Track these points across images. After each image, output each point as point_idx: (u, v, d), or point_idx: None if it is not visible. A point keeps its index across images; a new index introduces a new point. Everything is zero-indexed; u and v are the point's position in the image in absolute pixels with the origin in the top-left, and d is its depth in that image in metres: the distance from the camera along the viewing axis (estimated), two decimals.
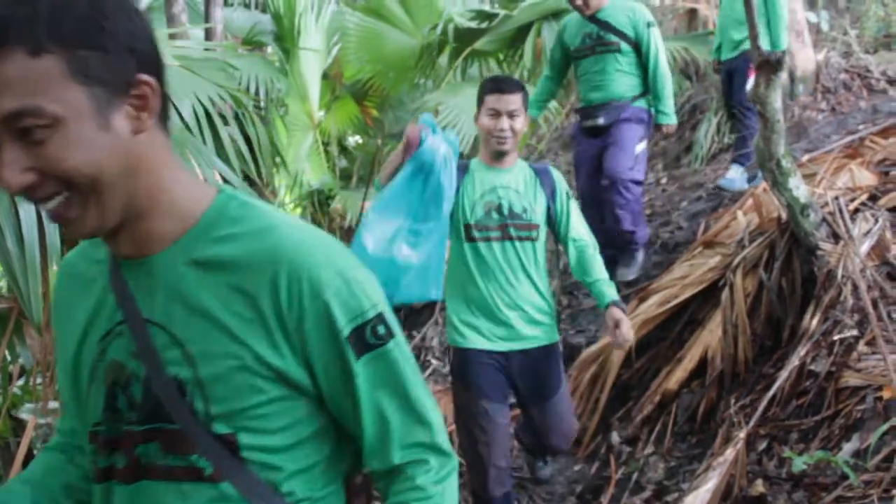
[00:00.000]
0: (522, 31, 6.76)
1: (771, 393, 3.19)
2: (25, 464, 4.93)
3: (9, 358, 3.69)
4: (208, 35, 4.62)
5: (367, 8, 6.93)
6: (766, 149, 3.51)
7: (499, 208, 2.92)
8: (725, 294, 3.68)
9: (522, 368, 2.98)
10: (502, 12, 6.61)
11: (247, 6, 6.25)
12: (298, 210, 6.68)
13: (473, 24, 6.58)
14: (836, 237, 3.49)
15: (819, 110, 6.54)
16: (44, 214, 2.16)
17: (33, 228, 2.26)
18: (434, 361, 4.91)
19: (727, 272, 3.77)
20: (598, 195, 4.62)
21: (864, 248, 3.42)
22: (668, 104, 4.55)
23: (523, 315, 2.95)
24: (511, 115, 2.88)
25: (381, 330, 1.09)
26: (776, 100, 3.48)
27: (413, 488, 1.12)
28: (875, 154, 4.61)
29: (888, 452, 2.60)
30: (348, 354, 1.07)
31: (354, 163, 8.10)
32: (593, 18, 4.51)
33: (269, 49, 6.05)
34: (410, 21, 6.94)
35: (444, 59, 6.82)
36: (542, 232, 3.00)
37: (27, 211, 2.25)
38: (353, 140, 8.56)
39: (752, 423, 3.10)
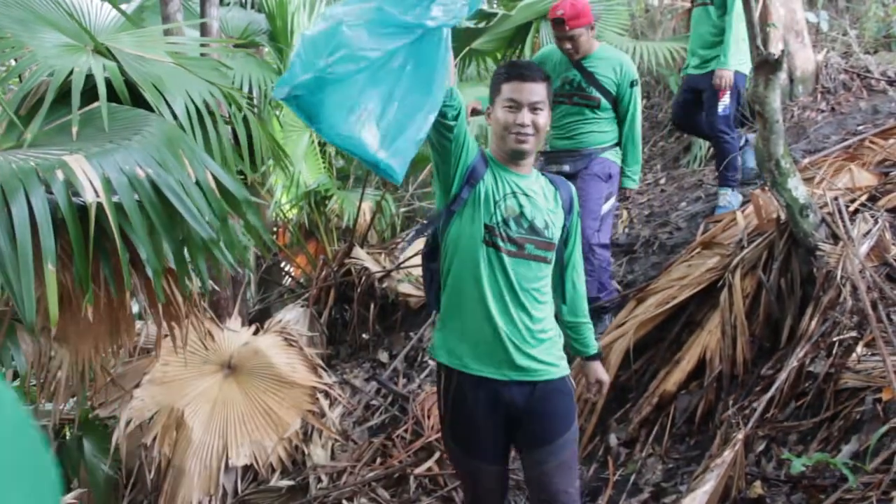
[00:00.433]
0: (521, 31, 6.75)
1: (769, 394, 3.17)
2: None
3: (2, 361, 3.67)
4: (203, 33, 4.60)
5: None
6: (765, 149, 3.50)
7: (519, 218, 2.42)
8: (724, 295, 3.67)
9: (525, 404, 2.45)
10: (501, 11, 6.60)
11: (242, 6, 6.23)
12: (295, 210, 6.66)
13: (471, 24, 6.56)
14: (835, 238, 3.47)
15: (818, 111, 6.53)
16: (41, 211, 2.15)
17: (26, 228, 2.22)
18: (432, 362, 4.89)
19: (726, 273, 3.75)
20: None
21: (864, 249, 3.40)
22: (637, 168, 4.42)
23: (531, 343, 2.43)
24: (533, 108, 2.41)
25: None
26: (775, 100, 3.47)
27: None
28: (875, 155, 4.60)
29: (887, 454, 2.59)
30: None
31: (351, 163, 8.08)
32: (578, 65, 4.26)
33: (266, 50, 6.03)
34: None
35: None
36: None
37: (20, 209, 2.22)
38: None
39: (750, 425, 3.08)
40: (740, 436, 2.98)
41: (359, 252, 5.72)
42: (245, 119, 3.33)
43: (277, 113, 5.90)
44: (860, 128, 5.72)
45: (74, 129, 2.63)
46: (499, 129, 2.45)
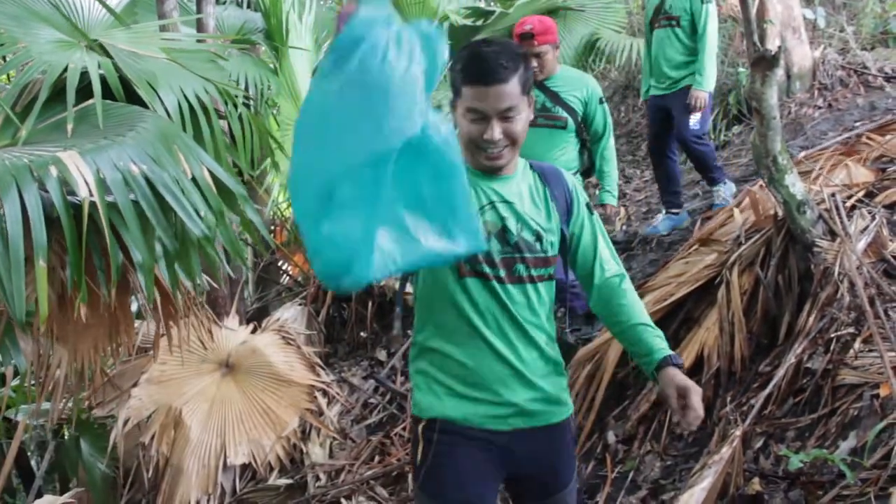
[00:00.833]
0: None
1: (767, 391, 3.17)
2: (17, 465, 4.92)
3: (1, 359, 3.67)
4: (199, 31, 4.59)
5: None
6: (762, 146, 3.49)
7: (503, 234, 1.99)
8: (722, 292, 3.66)
9: (524, 453, 2.05)
10: (498, 9, 6.60)
11: (239, 4, 6.23)
12: (291, 209, 6.64)
13: (469, 22, 6.56)
14: (832, 234, 3.47)
15: (816, 107, 6.53)
16: (33, 208, 2.14)
17: (18, 224, 2.21)
18: None
19: (723, 270, 3.75)
20: None
21: (861, 245, 3.40)
22: (615, 185, 4.30)
23: (528, 384, 2.03)
24: (504, 117, 1.90)
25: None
26: (772, 96, 3.46)
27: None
28: (872, 151, 4.60)
29: (885, 450, 2.58)
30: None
31: None
32: (541, 85, 4.07)
33: (263, 49, 6.02)
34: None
35: None
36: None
37: (12, 206, 2.21)
38: None
39: (748, 422, 3.08)
40: (738, 432, 2.97)
41: None
42: (240, 115, 3.32)
43: (274, 111, 5.89)
44: (857, 124, 5.72)
45: (70, 127, 2.62)
46: (465, 141, 1.94)
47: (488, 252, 1.95)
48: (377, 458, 4.20)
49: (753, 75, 3.46)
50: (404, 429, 4.30)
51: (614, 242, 5.72)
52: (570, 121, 4.05)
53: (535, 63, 3.90)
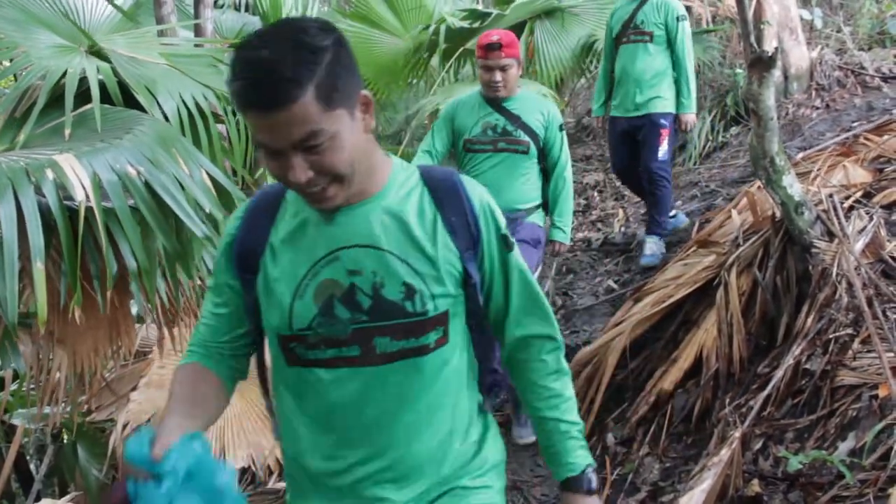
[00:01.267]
0: (515, 31, 6.73)
1: (766, 392, 3.17)
2: (17, 469, 4.92)
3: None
4: (197, 34, 4.59)
5: (355, 14, 6.92)
6: (759, 147, 3.50)
7: (351, 295, 1.44)
8: (720, 293, 3.67)
9: None
10: (495, 11, 6.59)
11: (236, 8, 6.23)
12: None
13: (466, 24, 6.56)
14: (830, 235, 3.48)
15: (813, 108, 6.53)
16: (30, 211, 2.12)
17: (13, 226, 2.21)
18: None
19: (722, 271, 3.75)
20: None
21: (859, 245, 3.40)
22: (569, 219, 3.93)
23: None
24: (308, 147, 1.29)
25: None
26: (769, 97, 3.47)
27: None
28: (869, 151, 4.60)
29: (884, 451, 2.58)
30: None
31: None
32: (501, 107, 3.76)
33: None
34: (400, 24, 6.93)
35: (436, 60, 6.80)
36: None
37: (7, 207, 2.20)
38: None
39: (747, 423, 3.08)
40: (737, 434, 2.98)
41: None
42: (238, 119, 3.32)
43: None
44: (855, 124, 5.73)
45: (67, 131, 2.62)
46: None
47: (331, 327, 1.43)
48: None
49: (750, 76, 3.46)
50: None
51: (613, 244, 5.67)
52: (533, 145, 3.75)
53: (499, 77, 3.65)
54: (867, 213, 3.66)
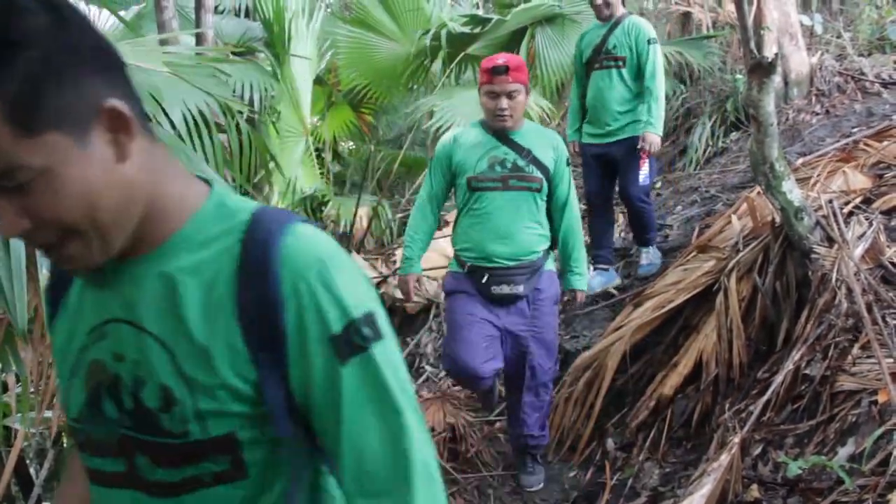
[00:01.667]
0: (516, 36, 6.77)
1: (766, 397, 3.18)
2: (17, 473, 4.92)
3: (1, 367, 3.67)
4: (199, 41, 4.61)
5: (355, 20, 6.94)
6: (759, 152, 3.50)
7: (115, 391, 1.02)
8: (720, 298, 3.67)
9: None
10: (496, 17, 6.61)
11: (236, 13, 6.26)
12: None
13: (467, 30, 6.57)
14: (830, 241, 3.48)
15: (813, 113, 6.54)
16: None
17: None
18: (428, 368, 4.89)
19: (721, 276, 3.76)
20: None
21: (859, 251, 3.41)
22: (585, 264, 3.54)
23: None
24: (3, 190, 0.86)
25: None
26: (769, 103, 3.48)
27: None
28: (869, 157, 4.61)
29: (883, 456, 2.59)
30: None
31: (348, 168, 8.10)
32: (507, 138, 3.34)
33: (262, 56, 6.05)
34: (399, 29, 6.96)
35: (437, 65, 6.83)
36: None
37: None
38: (347, 146, 8.57)
39: (746, 428, 3.09)
40: (737, 439, 2.98)
41: (356, 258, 5.71)
42: (239, 129, 3.33)
43: (274, 119, 5.91)
44: (854, 130, 5.74)
45: None
46: None
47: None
48: None
49: (750, 82, 3.48)
50: None
51: (613, 249, 5.67)
52: (544, 182, 3.34)
53: (505, 104, 3.23)
54: (867, 219, 3.67)
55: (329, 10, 8.03)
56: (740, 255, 3.77)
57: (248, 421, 0.97)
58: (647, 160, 4.60)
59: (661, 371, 3.81)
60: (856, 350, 3.07)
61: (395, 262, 5.77)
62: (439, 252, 4.89)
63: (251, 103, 5.08)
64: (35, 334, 2.78)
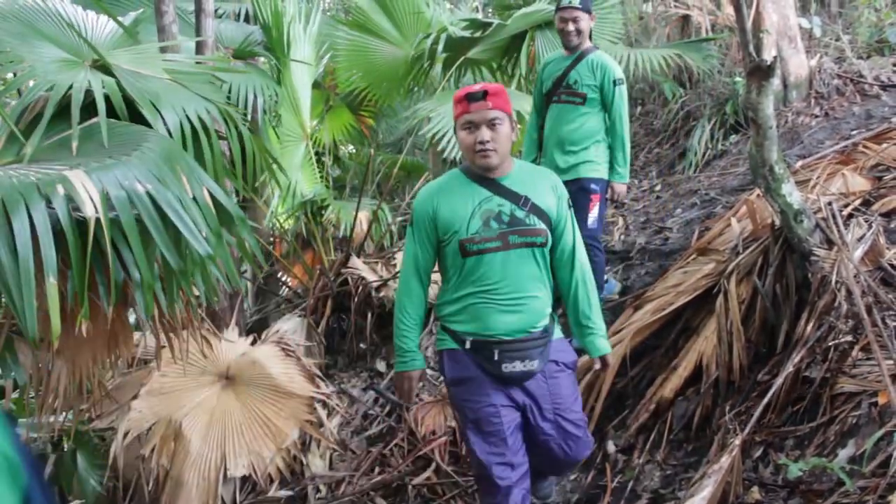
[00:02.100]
0: (516, 40, 6.78)
1: (766, 400, 3.18)
2: None
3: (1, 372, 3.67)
4: (199, 47, 4.61)
5: (354, 23, 6.95)
6: (759, 155, 3.52)
7: None
8: (720, 301, 3.68)
9: None
10: (496, 21, 6.62)
11: (236, 17, 6.26)
12: (292, 220, 6.67)
13: (467, 34, 6.58)
14: (829, 243, 3.49)
15: (812, 116, 6.56)
16: (42, 225, 2.14)
17: (27, 240, 2.23)
18: (429, 371, 4.89)
19: (721, 279, 3.77)
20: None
21: (858, 253, 3.42)
22: (603, 322, 3.10)
23: None
24: None
25: None
26: (768, 106, 3.49)
27: None
28: (868, 159, 4.63)
29: (883, 458, 2.60)
30: None
31: (348, 172, 8.10)
32: (498, 186, 2.75)
33: (262, 60, 6.06)
34: (398, 33, 6.97)
35: (437, 69, 6.84)
36: None
37: (21, 222, 2.22)
38: (347, 150, 8.58)
39: (747, 430, 3.09)
40: (737, 441, 2.99)
41: (356, 262, 5.72)
42: (240, 136, 3.34)
43: (274, 124, 5.92)
44: (854, 132, 5.75)
45: (74, 145, 2.64)
46: None
47: None
48: (377, 470, 4.20)
49: (749, 85, 3.49)
50: (403, 440, 4.30)
51: (612, 253, 5.70)
52: (549, 234, 2.79)
53: (487, 135, 2.64)
54: (866, 221, 3.68)
55: (328, 13, 8.03)
56: (740, 257, 3.78)
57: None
58: (597, 203, 4.26)
59: (662, 373, 3.82)
60: (856, 352, 3.08)
61: (395, 265, 5.78)
62: None
63: (254, 108, 5.09)
64: (35, 340, 2.79)
